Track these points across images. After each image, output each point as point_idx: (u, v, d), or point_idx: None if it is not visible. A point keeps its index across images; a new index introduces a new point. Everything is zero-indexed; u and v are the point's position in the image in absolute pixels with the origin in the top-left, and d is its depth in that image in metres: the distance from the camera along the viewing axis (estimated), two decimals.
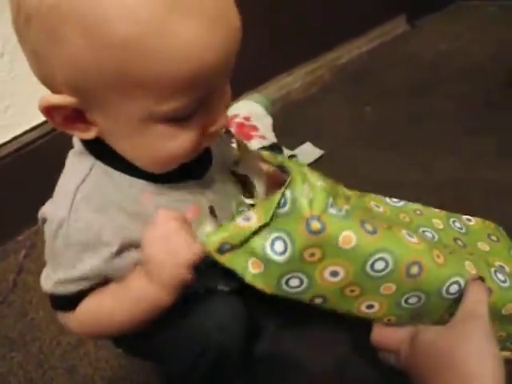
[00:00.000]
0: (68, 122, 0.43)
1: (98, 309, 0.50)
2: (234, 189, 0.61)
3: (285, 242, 0.52)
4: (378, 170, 1.04)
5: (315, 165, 1.10)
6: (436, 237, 0.66)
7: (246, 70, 1.25)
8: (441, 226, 0.70)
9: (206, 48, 0.38)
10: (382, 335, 0.59)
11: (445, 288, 0.57)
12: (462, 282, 0.58)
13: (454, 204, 0.78)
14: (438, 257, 0.57)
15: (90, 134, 0.45)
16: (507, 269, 0.64)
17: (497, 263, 0.64)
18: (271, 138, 1.11)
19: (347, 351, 0.73)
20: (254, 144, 1.03)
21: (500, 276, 0.61)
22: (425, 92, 1.30)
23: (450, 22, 1.62)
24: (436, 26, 1.63)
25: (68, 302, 0.50)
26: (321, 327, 0.75)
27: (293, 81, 1.44)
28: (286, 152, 1.10)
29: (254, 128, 1.10)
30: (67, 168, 0.51)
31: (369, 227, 0.54)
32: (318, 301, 0.57)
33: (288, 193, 0.53)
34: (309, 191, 0.53)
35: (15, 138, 1.01)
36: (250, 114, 1.14)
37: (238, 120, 1.11)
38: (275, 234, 0.53)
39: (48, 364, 0.80)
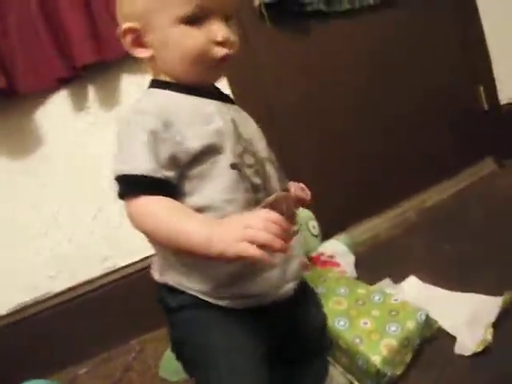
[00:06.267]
0: (134, 44, 0.72)
1: (162, 214, 0.64)
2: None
3: None
4: None
5: None
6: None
7: (335, 213, 1.45)
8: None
9: None
10: None
11: None
12: None
13: None
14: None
15: (148, 53, 0.72)
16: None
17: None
18: (351, 274, 1.23)
19: None
20: None
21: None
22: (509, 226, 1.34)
23: None
24: None
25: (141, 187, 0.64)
26: None
27: (381, 222, 1.57)
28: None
29: (336, 264, 1.24)
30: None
31: None
32: None
33: None
34: None
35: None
36: (334, 253, 1.28)
37: (323, 258, 1.26)
38: None
39: None
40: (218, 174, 0.69)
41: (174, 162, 0.67)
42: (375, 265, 1.34)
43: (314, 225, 1.35)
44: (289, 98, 1.47)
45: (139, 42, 0.72)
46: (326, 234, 1.41)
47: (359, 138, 1.59)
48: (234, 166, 0.70)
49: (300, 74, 1.48)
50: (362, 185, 1.59)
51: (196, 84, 0.73)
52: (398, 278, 1.23)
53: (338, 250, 1.30)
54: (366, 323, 0.95)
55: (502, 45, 1.75)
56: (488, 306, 1.01)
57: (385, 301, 1.01)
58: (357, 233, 1.52)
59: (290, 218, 0.76)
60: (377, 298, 1.02)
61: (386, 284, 1.21)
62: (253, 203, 0.71)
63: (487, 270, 1.17)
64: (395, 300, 1.01)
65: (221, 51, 0.70)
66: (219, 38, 0.69)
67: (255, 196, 0.72)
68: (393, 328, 0.93)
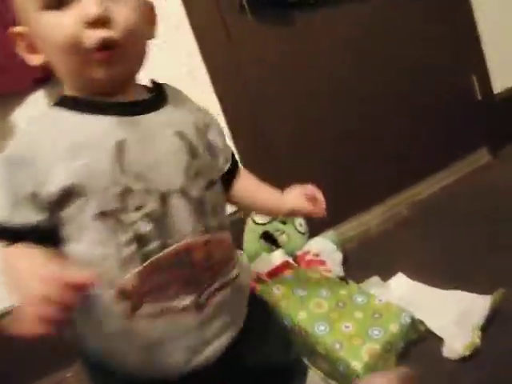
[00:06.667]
0: (28, 51, 0.60)
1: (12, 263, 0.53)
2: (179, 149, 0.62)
3: None
4: None
5: None
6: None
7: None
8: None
9: None
10: None
11: None
12: None
13: None
14: None
15: (39, 58, 0.60)
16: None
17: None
18: (338, 272, 1.20)
19: None
20: None
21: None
22: (504, 220, 1.30)
23: None
24: None
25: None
26: None
27: (371, 218, 1.54)
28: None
29: (322, 263, 1.20)
30: None
31: None
32: None
33: None
34: None
35: None
36: (320, 251, 1.24)
37: (308, 257, 1.23)
38: None
39: None
40: (85, 223, 0.57)
41: (38, 204, 0.56)
42: (364, 262, 1.31)
43: (300, 222, 1.31)
44: (271, 91, 1.43)
45: (33, 48, 0.60)
46: (314, 232, 1.37)
47: (349, 128, 1.55)
48: (103, 214, 0.56)
49: (282, 66, 1.43)
50: (352, 179, 1.55)
51: (93, 91, 0.60)
52: (387, 276, 1.19)
53: (325, 247, 1.26)
54: (347, 327, 0.92)
55: (495, 33, 1.71)
56: (477, 305, 0.98)
57: (368, 302, 0.98)
58: (345, 229, 1.49)
59: (209, 269, 0.63)
60: (359, 299, 0.99)
61: (374, 282, 1.17)
62: (138, 258, 0.58)
63: (480, 266, 1.13)
64: (379, 300, 0.98)
65: (94, 34, 0.55)
66: (89, 17, 0.54)
67: (142, 249, 0.58)
68: (375, 332, 0.90)
